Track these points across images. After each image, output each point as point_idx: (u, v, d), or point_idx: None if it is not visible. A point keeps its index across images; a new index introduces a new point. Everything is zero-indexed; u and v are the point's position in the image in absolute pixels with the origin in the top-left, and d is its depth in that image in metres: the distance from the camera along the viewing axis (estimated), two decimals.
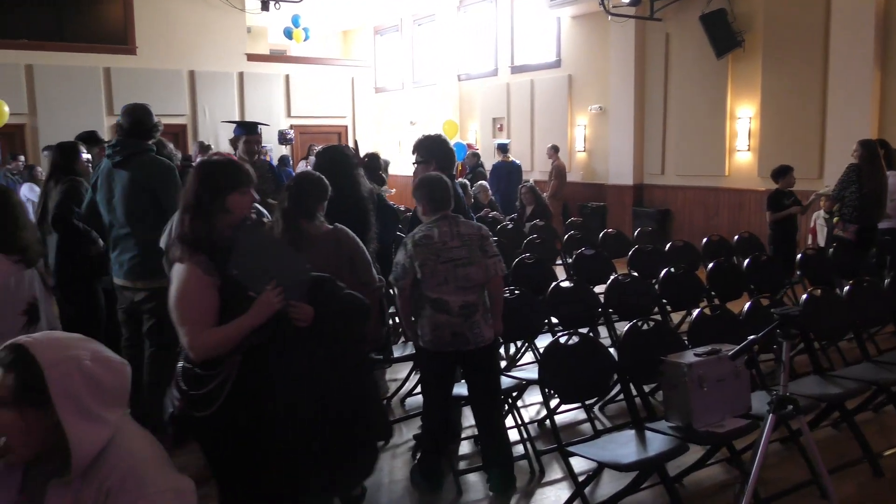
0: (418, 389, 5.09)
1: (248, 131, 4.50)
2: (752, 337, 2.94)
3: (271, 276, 2.44)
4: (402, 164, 15.81)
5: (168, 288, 4.17)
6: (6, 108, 10.30)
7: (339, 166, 3.90)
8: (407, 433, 4.57)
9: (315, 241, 3.18)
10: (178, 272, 2.58)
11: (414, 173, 4.26)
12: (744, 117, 10.03)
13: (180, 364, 2.65)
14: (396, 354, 4.68)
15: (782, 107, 9.40)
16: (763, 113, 9.70)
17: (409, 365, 5.18)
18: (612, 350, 4.02)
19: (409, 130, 15.87)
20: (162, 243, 3.92)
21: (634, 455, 3.26)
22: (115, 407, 1.70)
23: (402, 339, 5.28)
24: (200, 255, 2.53)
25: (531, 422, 4.61)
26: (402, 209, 8.45)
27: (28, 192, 9.01)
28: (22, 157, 9.96)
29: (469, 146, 12.77)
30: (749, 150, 10.01)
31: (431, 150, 4.24)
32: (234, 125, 4.63)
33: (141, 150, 4.18)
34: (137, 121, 4.23)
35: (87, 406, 1.61)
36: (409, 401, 5.09)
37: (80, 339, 1.71)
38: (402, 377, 5.33)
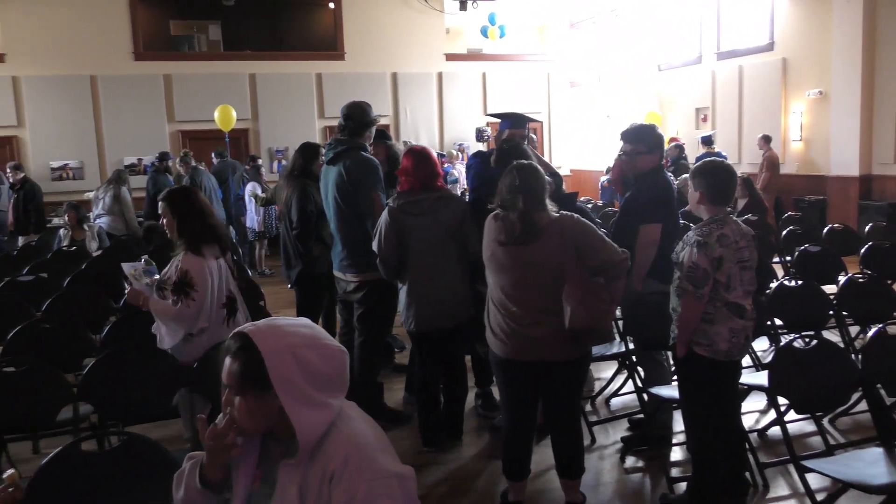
0: (625, 389, 4.91)
1: (514, 125, 4.50)
2: None
3: None
4: (593, 159, 15.51)
5: (376, 281, 4.35)
6: (234, 114, 11.30)
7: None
8: (613, 434, 4.40)
9: (543, 232, 3.11)
10: None
11: (620, 164, 4.09)
12: None
13: None
14: (603, 353, 4.51)
15: None
16: None
17: (614, 364, 5.01)
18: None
19: (605, 124, 15.49)
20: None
21: (886, 476, 2.88)
22: (335, 392, 1.72)
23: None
24: None
25: (750, 431, 4.26)
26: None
27: (250, 191, 9.80)
28: (260, 160, 10.83)
29: (672, 139, 12.21)
30: None
31: (644, 137, 4.04)
32: (500, 119, 4.62)
33: (350, 148, 4.35)
34: (350, 117, 4.41)
35: (305, 391, 1.65)
36: (614, 401, 4.91)
37: (301, 325, 1.74)
38: (606, 377, 5.17)
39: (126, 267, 3.65)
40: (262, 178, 10.17)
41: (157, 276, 3.61)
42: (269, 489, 1.74)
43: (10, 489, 2.05)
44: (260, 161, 10.80)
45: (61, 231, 7.85)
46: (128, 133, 12.40)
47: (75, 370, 3.96)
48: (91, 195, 10.88)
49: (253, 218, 9.88)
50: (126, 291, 3.69)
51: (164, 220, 3.61)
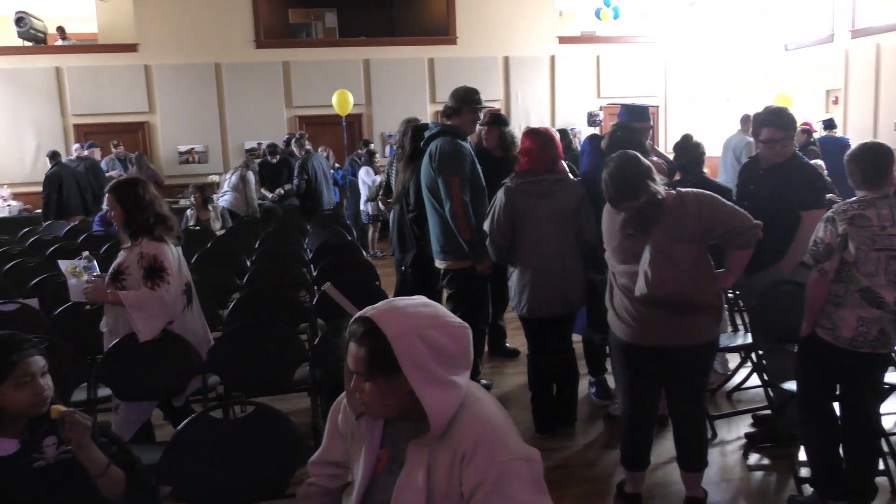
0: (750, 383, 4.68)
1: (635, 117, 4.36)
2: None
3: None
4: (710, 144, 14.84)
5: (460, 270, 4.32)
6: (351, 99, 11.54)
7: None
8: (736, 430, 4.21)
9: (663, 213, 3.01)
10: None
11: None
12: None
13: None
14: (727, 344, 4.32)
15: None
16: None
17: (736, 358, 4.79)
18: None
19: (724, 108, 14.81)
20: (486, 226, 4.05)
21: None
22: (461, 370, 1.70)
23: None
24: None
25: (891, 433, 3.96)
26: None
27: (364, 176, 9.98)
28: (373, 144, 11.04)
29: (804, 123, 11.52)
30: None
31: (790, 123, 3.81)
32: (623, 110, 4.47)
33: (442, 132, 4.33)
34: (450, 101, 4.40)
35: (434, 373, 1.63)
36: (736, 395, 4.69)
37: (420, 304, 1.72)
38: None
39: (63, 264, 3.59)
40: (375, 163, 10.33)
41: (97, 274, 3.56)
42: (395, 469, 1.74)
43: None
44: (373, 145, 10.99)
45: (188, 211, 8.25)
46: (248, 118, 12.90)
47: None
48: (215, 178, 11.42)
49: (366, 201, 10.05)
50: (84, 289, 3.49)
51: (112, 213, 3.49)
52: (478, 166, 4.40)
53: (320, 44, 13.69)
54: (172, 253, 3.47)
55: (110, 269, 3.47)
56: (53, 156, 10.11)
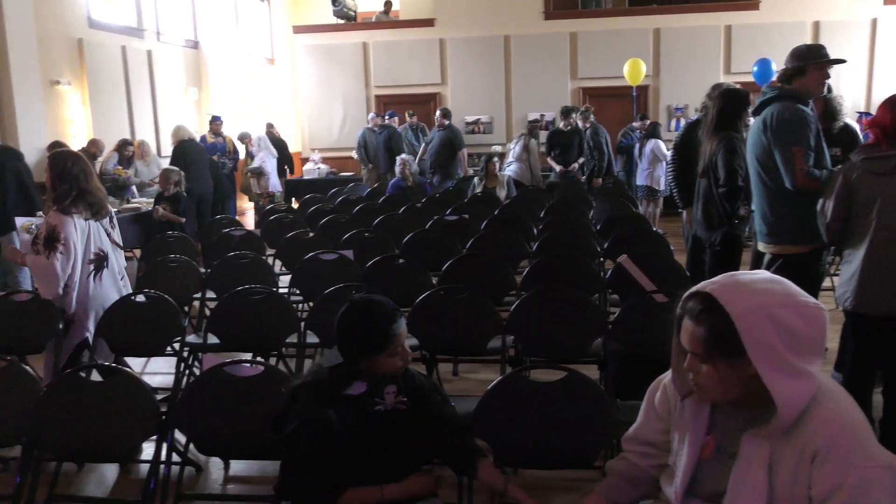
0: None
1: None
2: None
3: None
4: None
5: (801, 255, 3.77)
6: (643, 68, 11.16)
7: None
8: None
9: None
10: None
11: None
12: None
13: None
14: None
15: None
16: None
17: None
18: None
19: None
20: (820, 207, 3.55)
21: None
22: (814, 358, 1.50)
23: None
24: None
25: None
26: None
27: (655, 149, 9.53)
28: (648, 118, 10.65)
29: None
30: None
31: None
32: None
33: (780, 96, 3.82)
34: (788, 62, 3.90)
35: (784, 358, 1.45)
36: None
37: (768, 280, 1.54)
38: None
39: (19, 221, 3.82)
40: (661, 136, 9.87)
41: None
42: (724, 459, 1.61)
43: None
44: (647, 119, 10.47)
45: (475, 179, 8.55)
46: (533, 90, 13.07)
47: (496, 304, 4.22)
48: (498, 148, 11.73)
49: (644, 174, 9.66)
50: (9, 247, 3.93)
51: (46, 177, 3.80)
52: (822, 138, 3.87)
53: (610, 13, 13.40)
54: (78, 226, 3.73)
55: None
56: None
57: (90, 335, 3.80)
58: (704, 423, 1.67)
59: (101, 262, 3.93)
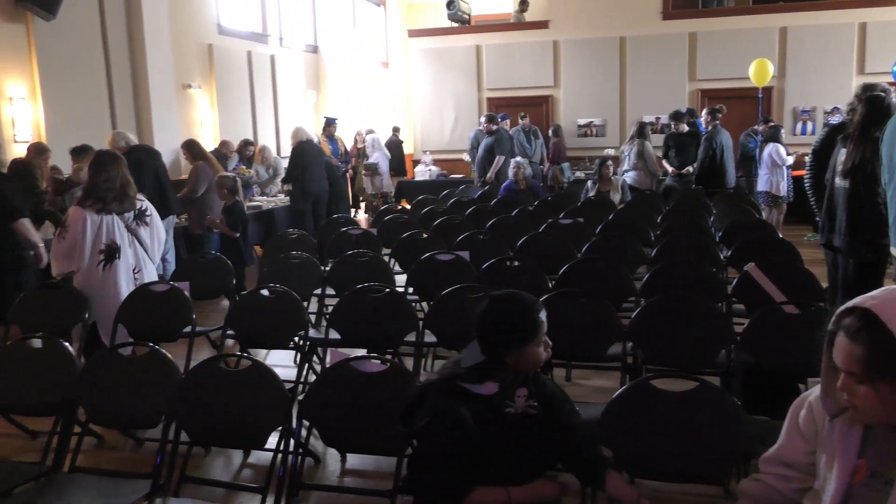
0: None
1: None
2: None
3: None
4: None
5: None
6: (771, 69, 10.67)
7: None
8: None
9: None
10: None
11: None
12: None
13: None
14: None
15: None
16: None
17: None
18: None
19: None
20: None
21: None
22: None
23: None
24: None
25: None
26: None
27: (774, 153, 9.09)
28: (772, 121, 10.15)
29: None
30: None
31: None
32: None
33: None
34: None
35: None
36: None
37: None
38: None
39: None
40: (782, 140, 9.39)
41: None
42: (878, 486, 1.51)
43: None
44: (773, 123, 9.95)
45: (589, 182, 8.40)
46: (649, 92, 12.72)
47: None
48: (610, 151, 11.50)
49: (764, 180, 9.21)
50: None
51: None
52: None
53: (732, 12, 12.89)
54: (90, 219, 4.10)
55: None
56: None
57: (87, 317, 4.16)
58: (856, 446, 1.56)
59: (112, 252, 4.20)
